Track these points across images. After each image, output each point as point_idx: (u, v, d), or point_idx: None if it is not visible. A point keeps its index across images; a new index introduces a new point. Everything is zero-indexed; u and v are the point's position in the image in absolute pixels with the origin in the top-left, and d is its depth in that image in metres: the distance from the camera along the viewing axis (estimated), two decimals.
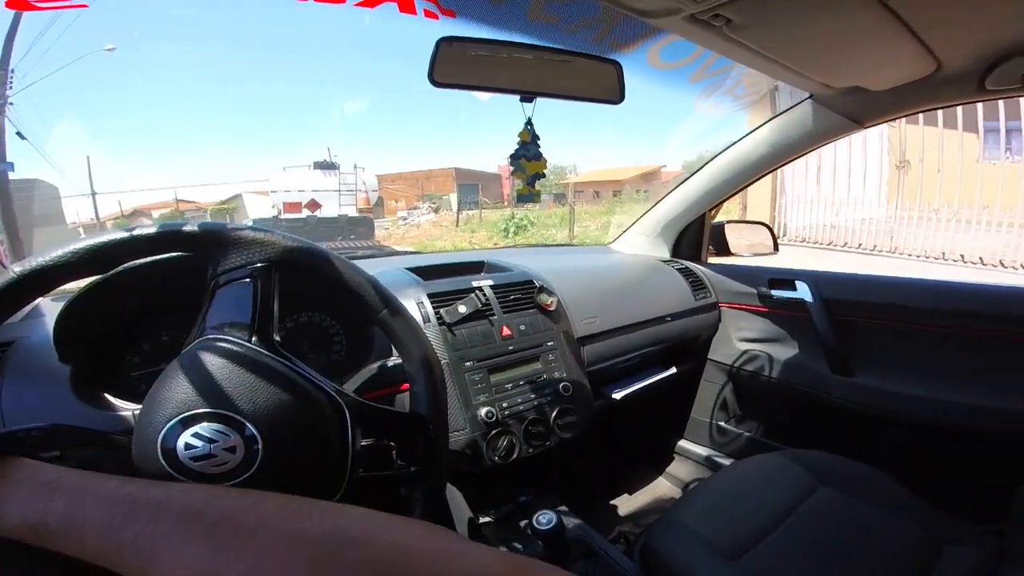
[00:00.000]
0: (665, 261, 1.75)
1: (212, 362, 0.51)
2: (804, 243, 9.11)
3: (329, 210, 14.37)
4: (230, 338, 0.53)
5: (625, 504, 1.74)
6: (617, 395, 1.38)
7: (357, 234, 12.94)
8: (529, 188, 0.92)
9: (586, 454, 1.69)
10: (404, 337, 0.66)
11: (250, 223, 0.61)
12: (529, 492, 1.23)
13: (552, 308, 1.22)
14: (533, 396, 1.13)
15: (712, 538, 0.91)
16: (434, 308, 1.07)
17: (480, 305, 1.11)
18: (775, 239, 1.81)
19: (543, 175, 0.94)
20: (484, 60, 0.87)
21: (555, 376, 1.17)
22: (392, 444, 0.69)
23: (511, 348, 1.14)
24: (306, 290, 0.89)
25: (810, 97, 1.30)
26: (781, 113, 1.40)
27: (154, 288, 0.76)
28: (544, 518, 0.98)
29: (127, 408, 0.70)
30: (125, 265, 0.55)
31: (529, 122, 0.91)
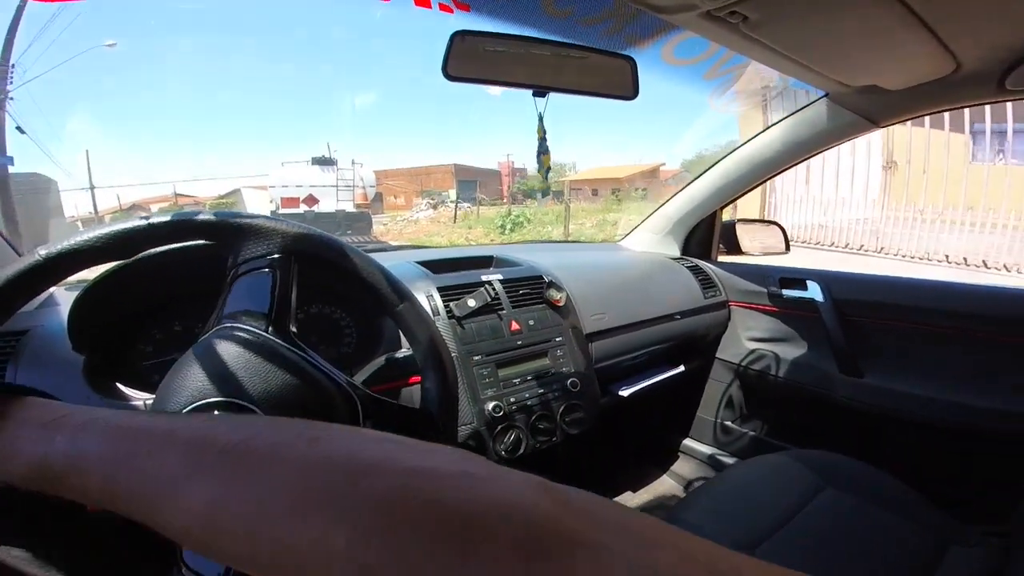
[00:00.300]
0: (675, 259, 1.74)
1: (227, 351, 0.52)
2: (793, 242, 9.14)
3: (327, 205, 14.46)
4: (246, 327, 0.54)
5: (629, 502, 1.74)
6: (624, 392, 1.38)
7: (355, 229, 13.04)
8: (545, 183, 0.92)
9: (591, 451, 1.69)
10: (418, 331, 0.66)
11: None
12: None
13: (561, 304, 1.22)
14: (541, 391, 1.13)
15: (717, 537, 0.91)
16: (444, 301, 1.08)
17: (489, 299, 1.11)
18: (787, 238, 1.80)
19: (549, 168, 0.94)
20: (497, 54, 0.86)
21: (563, 372, 1.17)
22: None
23: (519, 343, 1.14)
24: (320, 281, 0.89)
25: (825, 95, 1.29)
26: (795, 112, 1.39)
27: (168, 277, 0.77)
28: None
29: (139, 397, 0.70)
30: (144, 253, 0.55)
31: (541, 117, 0.91)
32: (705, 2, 0.76)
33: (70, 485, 0.33)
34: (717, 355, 1.75)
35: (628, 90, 0.96)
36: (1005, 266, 7.38)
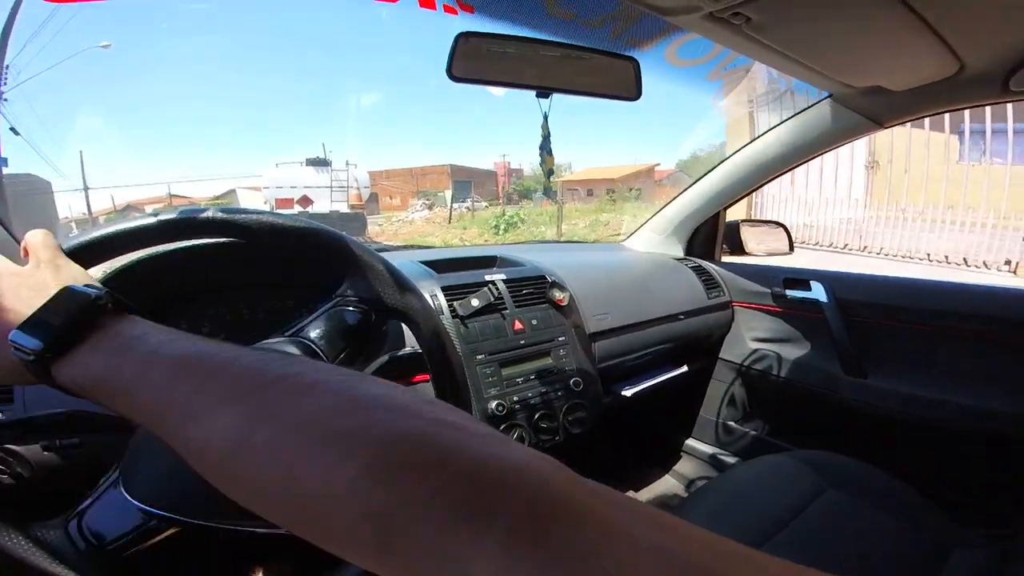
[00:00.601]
0: (678, 259, 1.74)
1: None
2: None
3: (321, 206, 14.51)
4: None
5: None
6: (627, 392, 1.38)
7: (349, 230, 13.07)
8: (547, 182, 0.93)
9: (593, 450, 1.69)
10: (423, 324, 0.67)
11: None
12: None
13: (564, 303, 1.22)
14: (544, 390, 1.13)
15: None
16: (447, 301, 1.08)
17: (493, 299, 1.12)
18: (791, 239, 1.80)
19: (552, 170, 0.95)
20: (501, 55, 0.87)
21: (566, 371, 1.18)
22: None
23: (523, 342, 1.14)
24: (323, 280, 0.90)
25: (829, 96, 1.29)
26: (799, 112, 1.39)
27: (180, 276, 0.78)
28: None
29: None
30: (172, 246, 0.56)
31: (545, 117, 0.92)
32: (708, 4, 0.76)
33: (124, 404, 0.34)
34: (720, 355, 1.75)
35: (631, 91, 0.96)
36: (984, 263, 7.54)
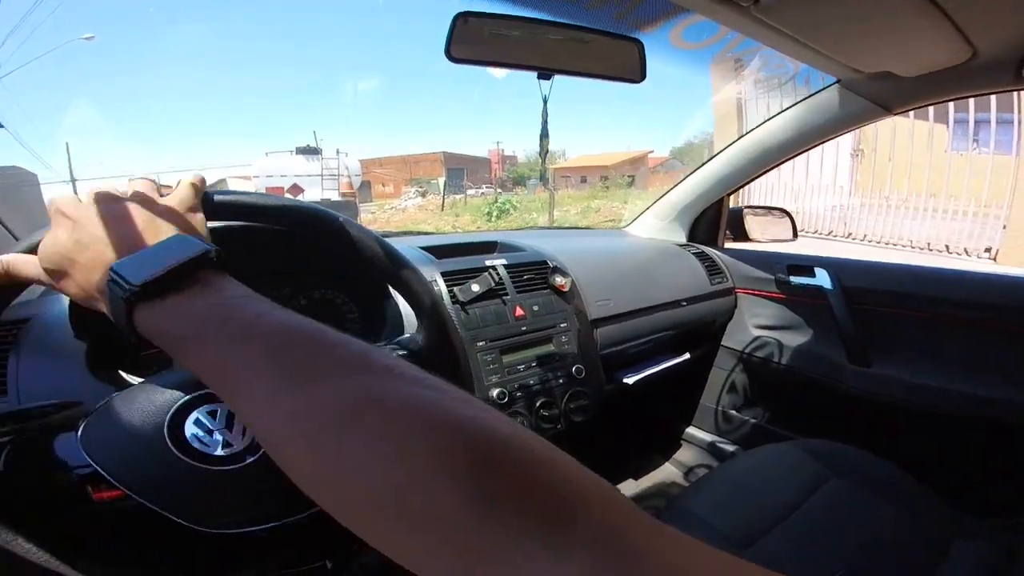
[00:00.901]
0: (681, 245, 1.73)
1: None
2: None
3: (312, 195, 14.53)
4: None
5: (631, 490, 1.75)
6: (629, 380, 1.37)
7: None
8: (543, 166, 0.92)
9: (594, 438, 1.70)
10: (422, 295, 0.66)
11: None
12: None
13: (566, 289, 1.21)
14: (545, 377, 1.13)
15: (721, 526, 0.92)
16: (447, 286, 1.07)
17: (493, 284, 1.11)
18: (794, 225, 1.78)
19: (548, 152, 0.94)
20: (501, 37, 0.85)
21: (568, 358, 1.17)
22: None
23: (524, 329, 1.13)
24: (321, 266, 0.89)
25: (837, 82, 1.27)
26: (806, 98, 1.37)
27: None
28: None
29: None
30: None
31: (545, 100, 0.90)
32: None
33: (189, 361, 0.35)
34: (723, 342, 1.75)
35: (636, 73, 0.95)
36: (966, 250, 7.75)
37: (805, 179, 9.36)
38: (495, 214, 14.59)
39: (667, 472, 1.86)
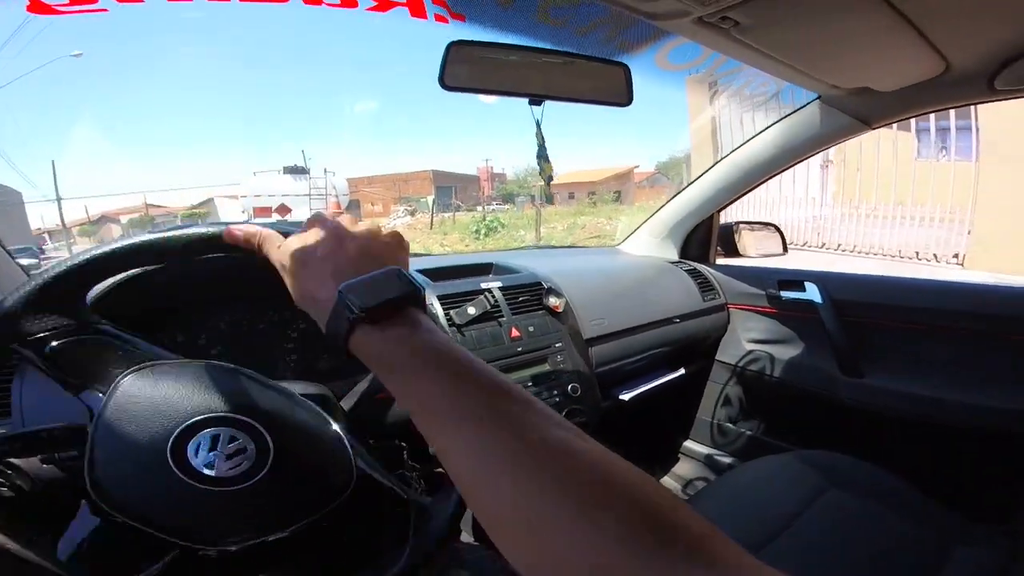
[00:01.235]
0: (673, 262, 1.75)
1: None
2: None
3: (299, 215, 14.45)
4: None
5: None
6: (625, 396, 1.38)
7: None
8: (547, 189, 0.94)
9: None
10: None
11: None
12: None
13: (560, 310, 1.22)
14: (542, 396, 1.13)
15: None
16: (444, 309, 1.08)
17: (489, 307, 1.12)
18: (784, 240, 1.81)
19: (551, 177, 0.95)
20: (493, 63, 0.87)
21: (563, 377, 1.18)
22: (404, 445, 0.70)
23: (520, 349, 1.14)
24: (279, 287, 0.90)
25: (818, 98, 1.30)
26: (789, 114, 1.40)
27: (176, 287, 0.78)
28: None
29: None
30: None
31: (538, 124, 0.92)
32: (696, 8, 0.77)
33: (396, 383, 0.39)
34: (717, 357, 1.76)
35: (622, 97, 0.97)
36: (935, 256, 7.90)
37: (779, 192, 9.53)
38: (483, 232, 14.63)
39: (667, 486, 1.85)
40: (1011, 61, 0.97)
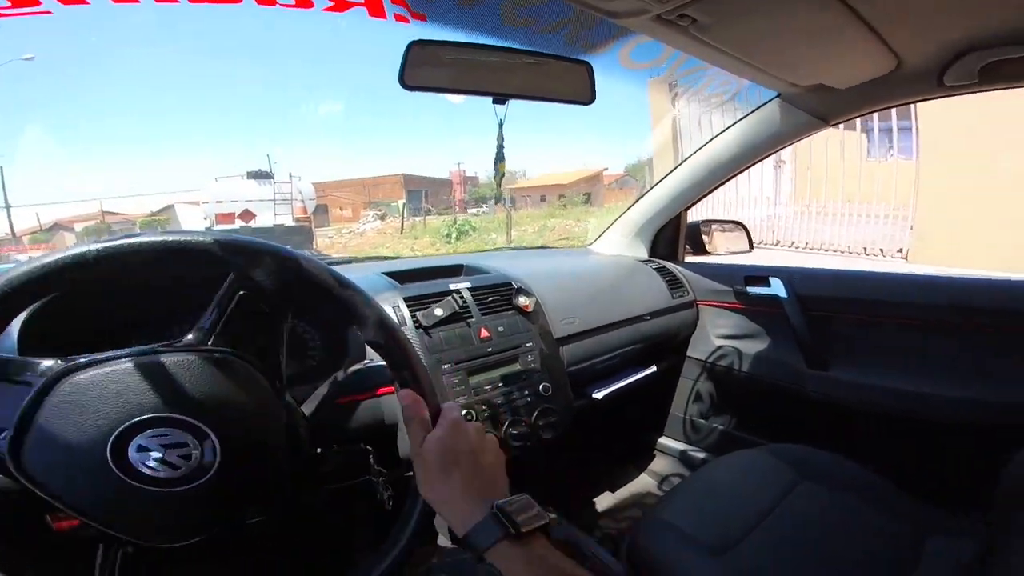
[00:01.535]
0: (643, 261, 1.76)
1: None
2: None
3: (264, 220, 14.22)
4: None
5: (607, 502, 1.75)
6: (598, 395, 1.38)
7: (293, 243, 13.01)
8: (498, 190, 0.93)
9: (567, 454, 1.69)
10: (367, 314, 0.64)
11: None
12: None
13: (530, 309, 1.22)
14: (513, 397, 1.13)
15: (698, 535, 0.92)
16: (410, 311, 1.07)
17: (457, 307, 1.11)
18: (750, 237, 1.84)
19: (503, 175, 0.95)
20: (455, 63, 0.87)
21: (534, 376, 1.18)
22: (369, 449, 0.69)
23: (490, 349, 1.14)
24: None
25: (777, 96, 1.33)
26: (750, 113, 1.43)
27: (124, 296, 0.75)
28: None
29: None
30: None
31: (501, 124, 0.92)
32: (655, 6, 0.78)
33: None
34: (688, 354, 1.78)
35: (585, 95, 0.97)
36: (882, 251, 8.26)
37: (736, 192, 9.78)
38: (454, 235, 14.61)
39: (643, 483, 1.86)
40: (959, 57, 1.00)
